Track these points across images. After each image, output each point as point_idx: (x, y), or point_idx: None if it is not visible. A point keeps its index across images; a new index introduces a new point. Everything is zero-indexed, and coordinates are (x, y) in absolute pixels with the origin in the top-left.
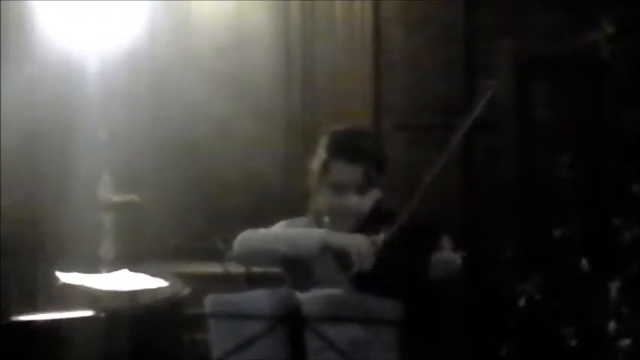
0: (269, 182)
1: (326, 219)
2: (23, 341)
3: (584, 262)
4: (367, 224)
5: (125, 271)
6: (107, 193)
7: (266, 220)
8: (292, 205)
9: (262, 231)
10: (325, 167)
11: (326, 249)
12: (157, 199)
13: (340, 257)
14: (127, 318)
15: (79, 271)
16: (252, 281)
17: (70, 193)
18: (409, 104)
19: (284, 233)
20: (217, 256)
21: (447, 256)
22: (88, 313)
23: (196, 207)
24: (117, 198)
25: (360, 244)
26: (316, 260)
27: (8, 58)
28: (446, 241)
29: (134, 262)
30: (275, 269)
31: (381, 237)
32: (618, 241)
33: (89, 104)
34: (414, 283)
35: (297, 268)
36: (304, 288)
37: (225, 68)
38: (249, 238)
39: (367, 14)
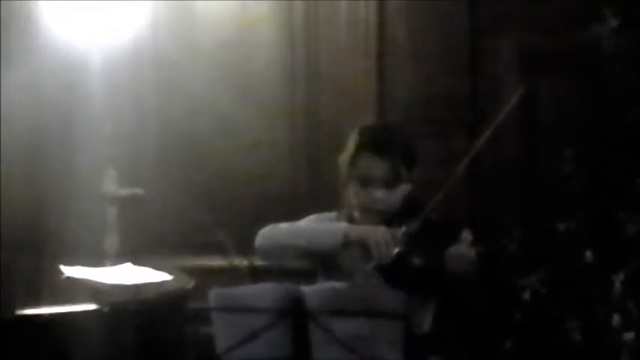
0: (273, 176)
1: (356, 214)
2: (27, 335)
3: (588, 255)
4: (396, 219)
5: (129, 265)
6: (111, 187)
7: (270, 214)
8: (296, 199)
9: (284, 225)
10: (353, 161)
11: (348, 243)
12: (161, 193)
13: (364, 250)
14: (130, 312)
15: (83, 265)
16: (257, 275)
17: (75, 187)
18: (413, 100)
19: (305, 228)
20: (221, 249)
21: (462, 249)
22: (92, 306)
23: (200, 201)
24: (121, 192)
25: (379, 237)
26: (345, 253)
27: (12, 52)
28: (465, 235)
29: (138, 256)
30: (292, 264)
31: (401, 230)
32: (622, 234)
33: (93, 98)
34: (430, 276)
35: (326, 261)
36: (336, 281)
37: (230, 62)
38: (270, 232)
39: (371, 9)
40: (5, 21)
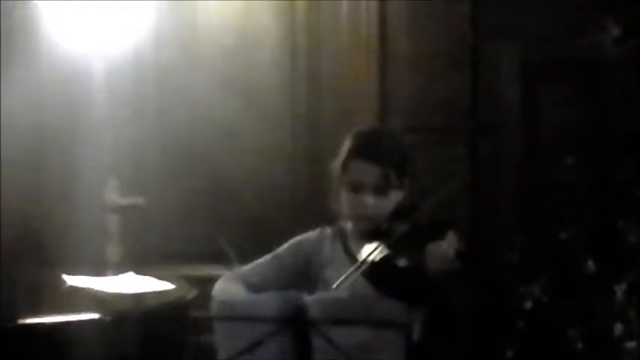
0: (275, 185)
1: (348, 224)
2: (29, 344)
3: (589, 264)
4: (386, 226)
5: (131, 274)
6: (113, 195)
7: (272, 221)
8: (298, 208)
9: (223, 285)
10: (344, 166)
11: None
12: (163, 201)
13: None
14: (133, 321)
15: (84, 274)
16: None
17: (76, 196)
18: (414, 106)
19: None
20: (223, 258)
21: (440, 246)
22: (94, 316)
23: (202, 209)
24: (123, 201)
25: None
26: (331, 267)
27: (14, 61)
28: (450, 236)
29: (140, 265)
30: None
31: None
32: (623, 243)
33: (95, 107)
34: (414, 276)
35: (313, 277)
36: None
37: (231, 71)
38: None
39: (373, 16)
40: (6, 30)
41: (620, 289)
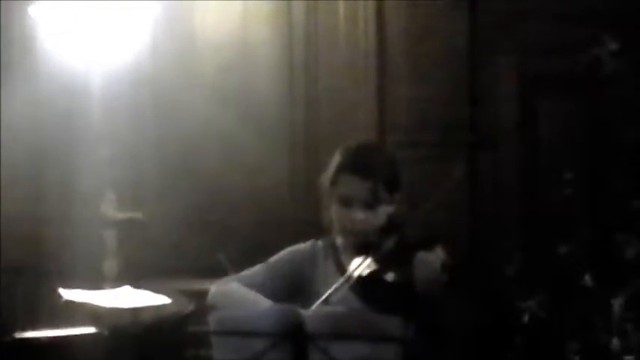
0: (273, 199)
1: (338, 240)
2: (26, 358)
3: (587, 278)
4: (375, 240)
5: (128, 288)
6: (110, 210)
7: (269, 236)
8: (295, 222)
9: (224, 292)
10: (334, 181)
11: None
12: (161, 216)
13: (340, 274)
14: (130, 335)
15: (82, 288)
16: None
17: (74, 210)
18: (412, 121)
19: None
20: (221, 272)
21: (427, 257)
22: (91, 330)
23: (200, 224)
24: (120, 215)
25: None
26: (320, 279)
27: (12, 75)
28: (438, 250)
29: (137, 279)
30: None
31: None
32: (621, 257)
33: (93, 122)
34: (402, 289)
35: (303, 289)
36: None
37: (229, 85)
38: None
39: (371, 32)
40: (5, 45)
41: (617, 304)
